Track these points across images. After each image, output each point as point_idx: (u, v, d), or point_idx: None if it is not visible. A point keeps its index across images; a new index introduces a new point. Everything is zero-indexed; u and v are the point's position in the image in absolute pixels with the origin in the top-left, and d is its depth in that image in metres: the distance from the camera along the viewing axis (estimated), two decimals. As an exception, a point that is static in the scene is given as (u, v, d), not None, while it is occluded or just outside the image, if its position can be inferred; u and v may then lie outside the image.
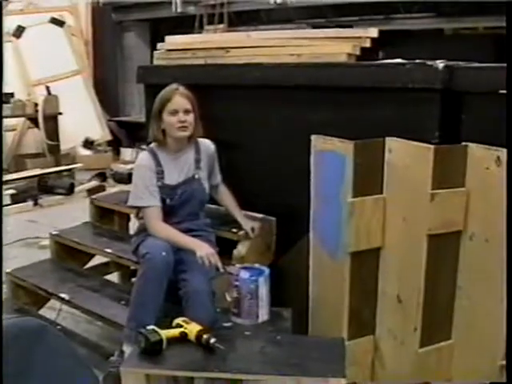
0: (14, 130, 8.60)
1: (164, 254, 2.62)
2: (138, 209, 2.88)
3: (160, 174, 2.80)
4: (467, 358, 2.39)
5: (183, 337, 2.30)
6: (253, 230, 2.97)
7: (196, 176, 2.88)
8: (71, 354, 2.09)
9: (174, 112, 2.76)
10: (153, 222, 2.78)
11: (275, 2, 8.06)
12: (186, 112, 2.77)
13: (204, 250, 2.63)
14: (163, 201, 2.80)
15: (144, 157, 2.85)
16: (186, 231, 2.81)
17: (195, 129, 2.82)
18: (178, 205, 2.83)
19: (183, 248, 2.71)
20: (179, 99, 2.77)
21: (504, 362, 2.21)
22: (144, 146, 3.13)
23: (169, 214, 2.82)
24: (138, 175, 2.83)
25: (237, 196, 3.07)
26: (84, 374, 2.13)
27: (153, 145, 2.88)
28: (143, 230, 2.86)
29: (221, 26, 8.50)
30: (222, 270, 2.64)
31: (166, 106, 2.77)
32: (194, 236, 2.81)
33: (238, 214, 3.03)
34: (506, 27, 2.42)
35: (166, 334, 2.27)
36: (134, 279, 3.84)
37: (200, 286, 2.60)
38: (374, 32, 3.24)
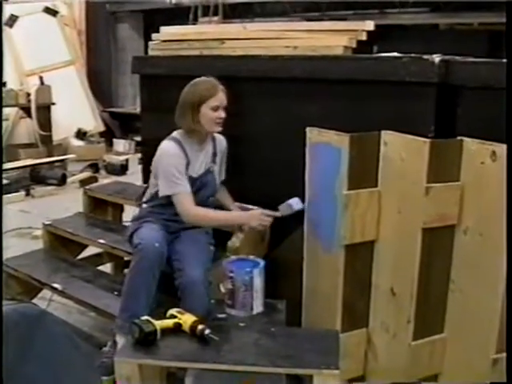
0: (6, 119, 8.55)
1: (157, 244, 2.62)
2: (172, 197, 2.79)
3: (187, 165, 2.79)
4: (460, 352, 2.41)
5: (177, 327, 2.30)
6: None
7: (211, 169, 2.90)
8: (69, 340, 2.11)
9: (216, 108, 2.76)
10: (190, 208, 2.75)
11: (270, -5, 8.05)
12: (225, 108, 2.79)
13: (256, 218, 2.70)
14: None
15: (171, 146, 2.79)
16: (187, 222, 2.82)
17: None
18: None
19: (231, 227, 2.81)
20: (222, 96, 2.78)
21: (496, 356, 2.23)
22: (136, 138, 3.10)
23: None
24: (170, 163, 2.75)
25: (231, 188, 3.08)
26: (82, 358, 2.14)
27: (177, 135, 2.84)
28: (141, 217, 2.86)
29: (215, 18, 8.48)
30: (279, 215, 2.70)
31: (208, 100, 2.75)
32: (191, 228, 2.83)
33: (233, 208, 3.04)
34: (506, 27, 2.42)
35: (160, 324, 2.27)
36: (126, 270, 3.85)
37: (196, 276, 2.59)
38: (370, 25, 3.23)
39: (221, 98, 2.78)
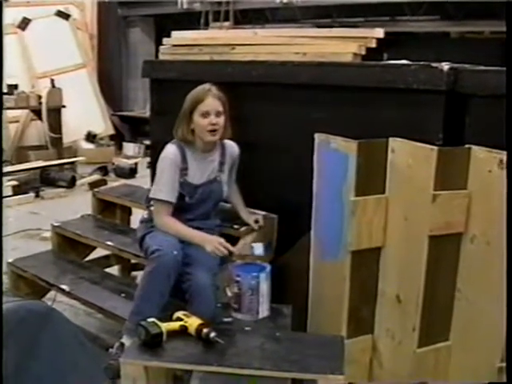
0: (17, 121, 8.61)
1: (175, 252, 2.63)
2: (153, 200, 2.84)
3: (184, 170, 2.78)
4: (465, 360, 2.40)
5: (183, 330, 2.31)
6: (257, 221, 3.00)
7: (218, 178, 2.88)
8: (76, 338, 2.11)
9: (206, 114, 2.73)
10: (163, 216, 2.77)
11: (281, 1, 8.07)
12: (218, 114, 2.74)
13: (212, 244, 2.65)
14: (182, 197, 2.79)
15: (171, 150, 2.79)
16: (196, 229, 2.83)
17: (224, 131, 2.81)
18: (194, 204, 2.83)
19: (190, 243, 2.73)
20: (212, 101, 2.74)
21: (502, 365, 2.23)
22: (146, 142, 3.11)
23: (183, 212, 2.82)
24: (163, 168, 2.78)
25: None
26: (88, 358, 2.15)
27: None
28: (151, 220, 2.86)
29: (226, 23, 8.51)
30: (236, 252, 2.67)
31: (197, 106, 2.74)
32: None
33: (243, 210, 3.06)
34: (506, 27, 2.43)
35: (166, 326, 2.28)
36: (134, 273, 3.87)
37: (204, 280, 2.61)
38: (379, 32, 3.24)
39: (210, 103, 2.73)
